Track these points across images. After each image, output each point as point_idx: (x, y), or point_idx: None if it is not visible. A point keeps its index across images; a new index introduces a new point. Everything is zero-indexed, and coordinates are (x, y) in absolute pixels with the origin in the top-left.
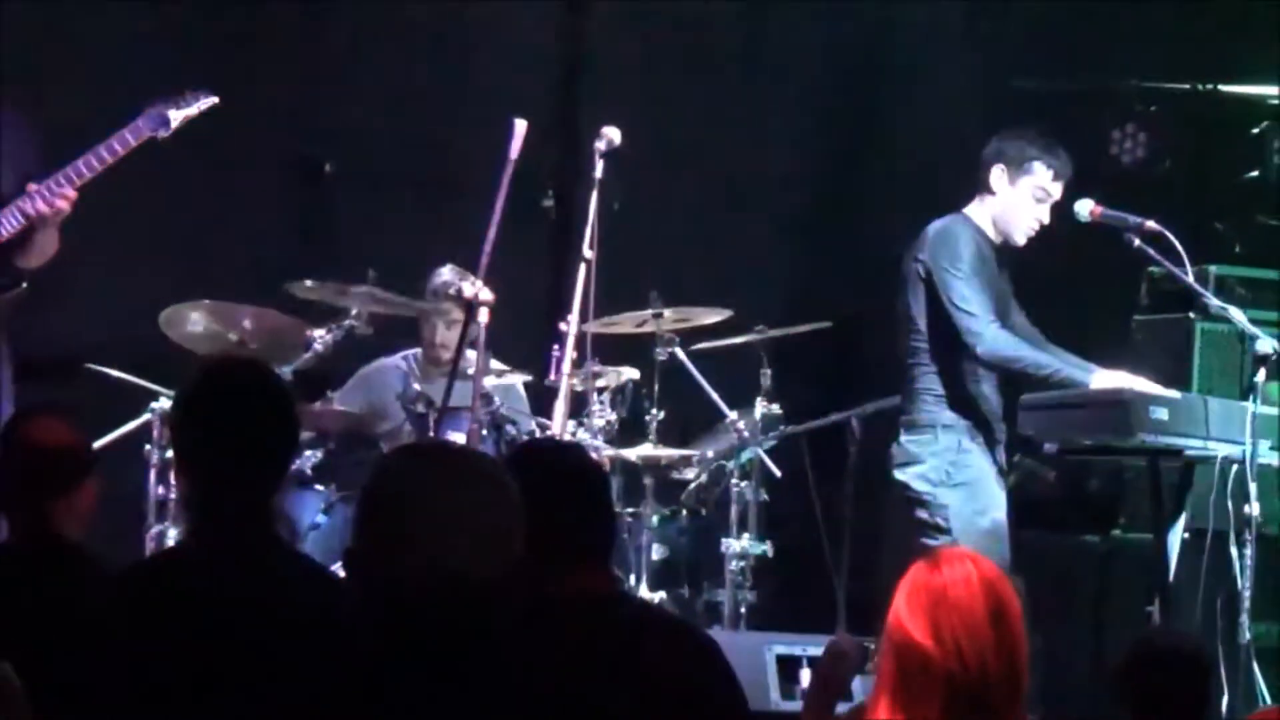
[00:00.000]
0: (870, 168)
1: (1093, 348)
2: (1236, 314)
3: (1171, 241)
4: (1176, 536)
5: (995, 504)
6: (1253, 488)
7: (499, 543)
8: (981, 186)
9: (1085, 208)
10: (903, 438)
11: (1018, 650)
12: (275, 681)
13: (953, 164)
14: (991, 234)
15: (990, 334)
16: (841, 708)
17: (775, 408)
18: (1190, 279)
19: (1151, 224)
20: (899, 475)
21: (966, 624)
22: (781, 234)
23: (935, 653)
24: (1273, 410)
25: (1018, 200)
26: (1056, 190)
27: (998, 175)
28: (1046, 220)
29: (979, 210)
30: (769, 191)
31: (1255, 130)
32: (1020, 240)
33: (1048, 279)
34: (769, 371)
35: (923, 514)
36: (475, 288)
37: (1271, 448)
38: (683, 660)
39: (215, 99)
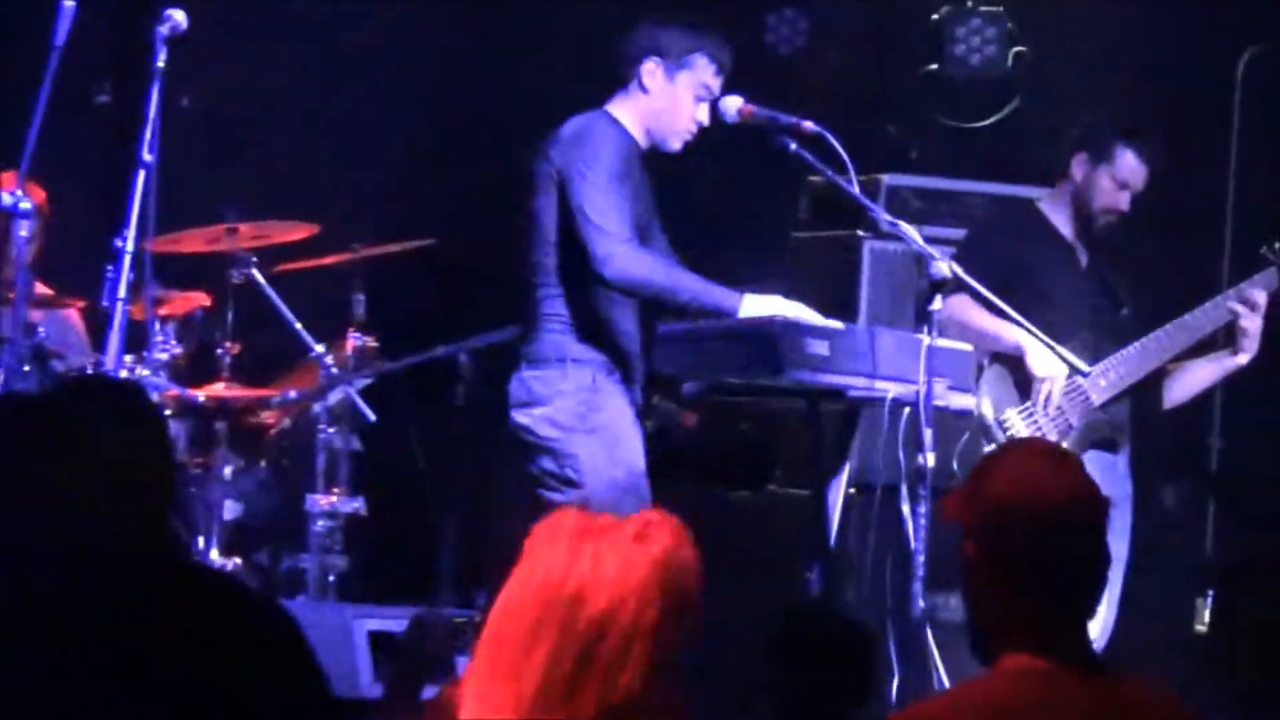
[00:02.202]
0: (489, 63)
1: (743, 269)
2: (910, 231)
3: (833, 145)
4: (839, 492)
5: (633, 453)
6: (927, 434)
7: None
8: (629, 82)
9: (733, 106)
10: (524, 373)
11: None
12: None
13: (585, 66)
14: (639, 138)
15: (623, 253)
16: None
17: (370, 340)
18: (856, 190)
19: (809, 124)
20: (519, 418)
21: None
22: (380, 137)
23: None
24: (955, 344)
25: (676, 100)
26: (718, 86)
27: (651, 70)
28: (706, 121)
29: (625, 109)
30: (367, 88)
31: (934, 16)
32: (676, 146)
33: (689, 189)
34: (363, 297)
35: (548, 464)
36: (15, 196)
37: (950, 387)
38: (248, 637)
39: None
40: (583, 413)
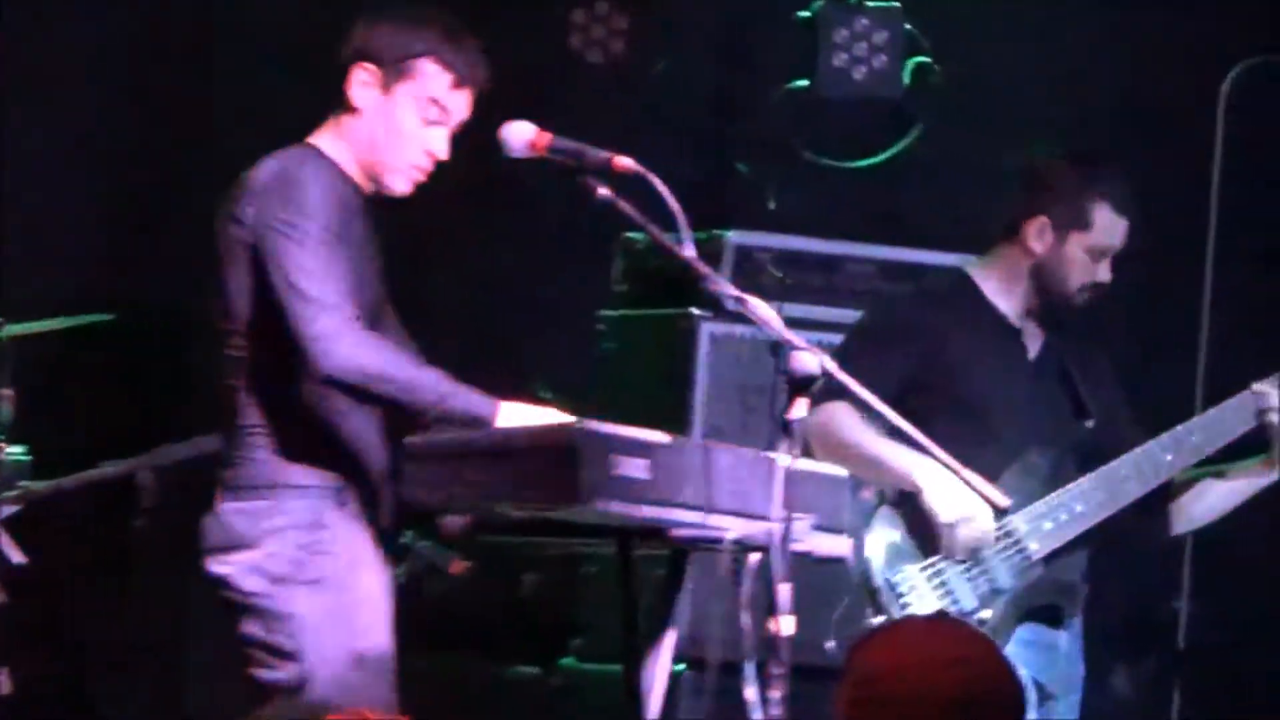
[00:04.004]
0: (196, 85)
1: (532, 361)
2: (764, 310)
3: (659, 190)
4: (663, 668)
5: (373, 613)
6: (783, 591)
7: None
8: (338, 103)
9: (520, 135)
10: (223, 506)
11: None
12: None
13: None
14: (357, 176)
15: (348, 335)
16: None
17: (19, 451)
18: (691, 252)
19: (625, 161)
20: (216, 567)
21: None
22: (44, 175)
23: None
24: (824, 467)
25: (394, 122)
26: (460, 105)
27: (363, 81)
28: (444, 153)
29: (335, 139)
30: (27, 108)
31: (803, 14)
32: (402, 186)
33: (455, 251)
34: (10, 393)
35: (255, 629)
36: None
37: (817, 525)
38: None
39: None
40: (302, 558)
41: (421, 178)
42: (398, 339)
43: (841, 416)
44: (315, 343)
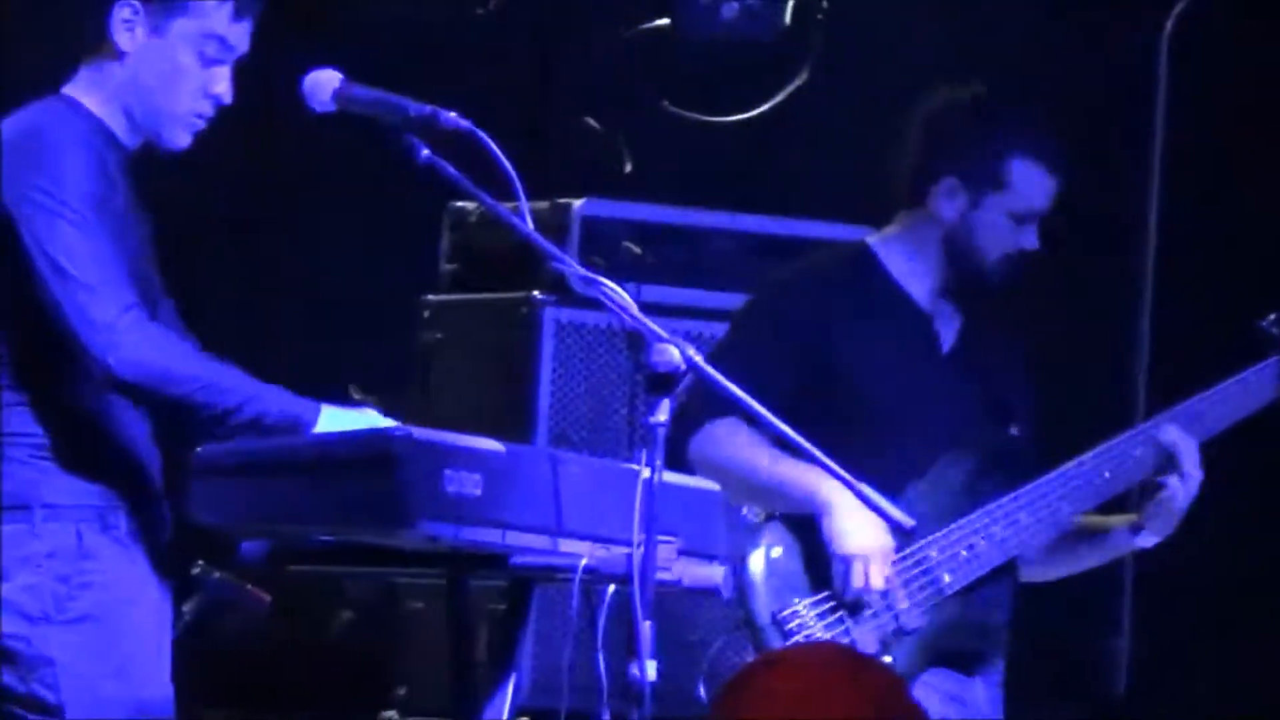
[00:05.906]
0: None
1: (344, 354)
2: (619, 293)
3: (491, 150)
4: None
5: (148, 656)
6: (645, 630)
7: None
8: (94, 47)
9: (324, 87)
10: None
11: None
12: None
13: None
14: (121, 131)
15: (134, 331)
16: None
17: None
18: (529, 224)
19: (452, 116)
20: None
21: None
22: None
23: None
24: (694, 481)
25: (170, 65)
26: (242, 38)
27: (127, 20)
28: (228, 95)
29: (95, 89)
30: None
31: None
32: (182, 139)
33: (247, 225)
34: None
35: (8, 677)
36: None
37: (685, 550)
38: None
39: None
40: (61, 592)
41: (202, 126)
42: (175, 325)
43: (732, 436)
44: (97, 339)
